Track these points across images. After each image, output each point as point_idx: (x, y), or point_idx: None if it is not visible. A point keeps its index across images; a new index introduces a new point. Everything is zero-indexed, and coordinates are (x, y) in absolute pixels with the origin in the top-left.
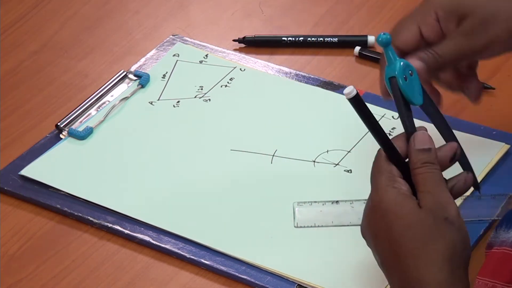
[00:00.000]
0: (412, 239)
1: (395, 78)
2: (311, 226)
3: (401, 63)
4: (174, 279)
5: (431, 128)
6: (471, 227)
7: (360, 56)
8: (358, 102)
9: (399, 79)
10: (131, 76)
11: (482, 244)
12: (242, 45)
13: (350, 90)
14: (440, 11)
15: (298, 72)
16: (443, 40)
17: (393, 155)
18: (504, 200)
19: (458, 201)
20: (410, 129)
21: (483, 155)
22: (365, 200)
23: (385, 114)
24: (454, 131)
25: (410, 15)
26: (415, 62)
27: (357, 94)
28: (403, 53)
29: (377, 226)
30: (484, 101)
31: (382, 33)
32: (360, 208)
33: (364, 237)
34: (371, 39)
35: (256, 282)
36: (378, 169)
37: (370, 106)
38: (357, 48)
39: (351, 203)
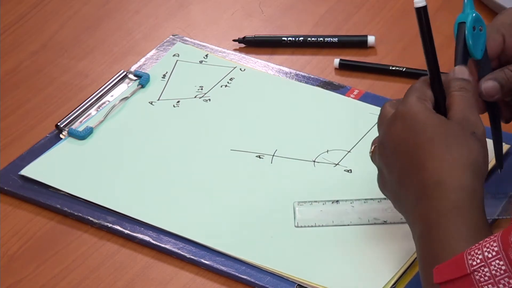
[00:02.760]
0: (438, 144)
1: (464, 24)
2: (312, 226)
3: (474, 14)
4: (174, 279)
5: None
6: None
7: (340, 67)
8: (424, 14)
9: (468, 26)
10: (131, 76)
11: None
12: (242, 45)
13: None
14: (507, 27)
15: (298, 72)
16: None
17: (435, 80)
18: (504, 199)
19: None
20: None
21: None
22: (365, 199)
23: None
24: None
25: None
26: (488, 83)
27: (426, 6)
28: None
29: (400, 136)
30: None
31: None
32: (361, 207)
33: (378, 153)
34: (371, 39)
35: (256, 282)
36: (413, 88)
37: (370, 106)
38: (337, 61)
39: (351, 203)
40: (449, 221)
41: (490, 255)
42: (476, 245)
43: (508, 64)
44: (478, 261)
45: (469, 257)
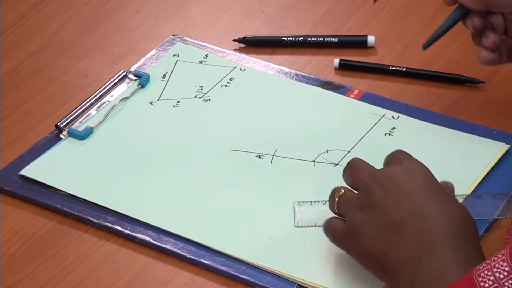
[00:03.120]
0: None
1: None
2: (312, 226)
3: None
4: (174, 279)
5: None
6: None
7: (340, 67)
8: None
9: None
10: (131, 76)
11: (482, 244)
12: (242, 45)
13: None
14: None
15: (298, 72)
16: None
17: None
18: (504, 199)
19: (459, 201)
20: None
21: (483, 155)
22: None
23: (385, 114)
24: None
25: None
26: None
27: None
28: None
29: (412, 185)
30: (484, 101)
31: None
32: None
33: (372, 192)
34: (371, 39)
35: (256, 282)
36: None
37: (370, 106)
38: (337, 61)
39: None
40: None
41: (501, 276)
42: (484, 265)
43: None
44: (490, 282)
45: (480, 279)
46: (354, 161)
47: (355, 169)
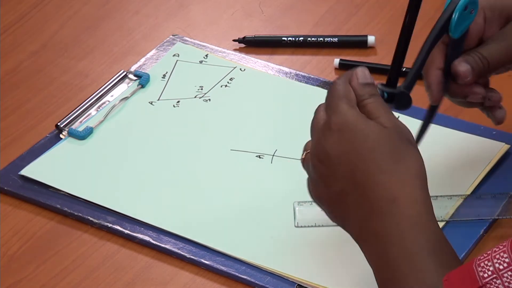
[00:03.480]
0: (383, 156)
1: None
2: (312, 226)
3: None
4: (174, 279)
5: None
6: (471, 227)
7: (340, 67)
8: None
9: (461, 3)
10: (131, 76)
11: (482, 244)
12: (242, 45)
13: None
14: (487, 11)
15: (298, 72)
16: (488, 42)
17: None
18: (504, 199)
19: (459, 201)
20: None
21: (483, 155)
22: None
23: None
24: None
25: None
26: (462, 66)
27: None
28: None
29: (339, 148)
30: None
31: None
32: None
33: (312, 163)
34: (371, 39)
35: (256, 282)
36: (339, 91)
37: None
38: (337, 61)
39: None
40: (410, 236)
41: (501, 267)
42: (485, 255)
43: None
44: (490, 273)
45: (479, 269)
46: (330, 92)
47: (318, 113)
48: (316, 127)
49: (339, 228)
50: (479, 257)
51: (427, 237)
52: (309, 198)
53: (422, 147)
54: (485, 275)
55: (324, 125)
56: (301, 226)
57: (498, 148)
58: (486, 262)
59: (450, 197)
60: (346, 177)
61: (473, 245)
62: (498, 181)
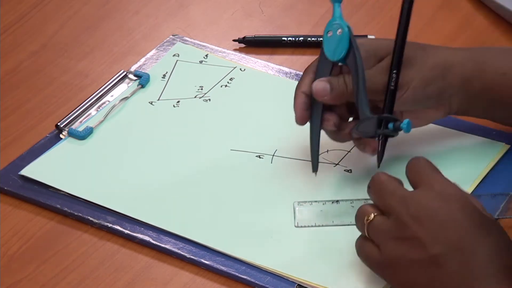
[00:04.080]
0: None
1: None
2: (312, 226)
3: (336, 21)
4: (174, 279)
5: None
6: None
7: None
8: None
9: (325, 32)
10: (131, 76)
11: None
12: (242, 45)
13: None
14: (363, 53)
15: (298, 72)
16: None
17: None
18: (504, 199)
19: None
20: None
21: (483, 155)
22: (365, 199)
23: None
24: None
25: None
26: (319, 84)
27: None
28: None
29: (448, 215)
30: None
31: None
32: None
33: (386, 228)
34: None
35: (256, 282)
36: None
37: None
38: None
39: (351, 203)
40: None
41: None
42: None
43: None
44: None
45: None
46: (379, 179)
47: (381, 190)
48: (390, 195)
49: (339, 228)
50: None
51: None
52: (309, 198)
53: (422, 147)
54: None
55: (427, 189)
56: (301, 226)
57: (498, 148)
58: None
59: None
60: (451, 241)
61: None
62: (498, 181)
